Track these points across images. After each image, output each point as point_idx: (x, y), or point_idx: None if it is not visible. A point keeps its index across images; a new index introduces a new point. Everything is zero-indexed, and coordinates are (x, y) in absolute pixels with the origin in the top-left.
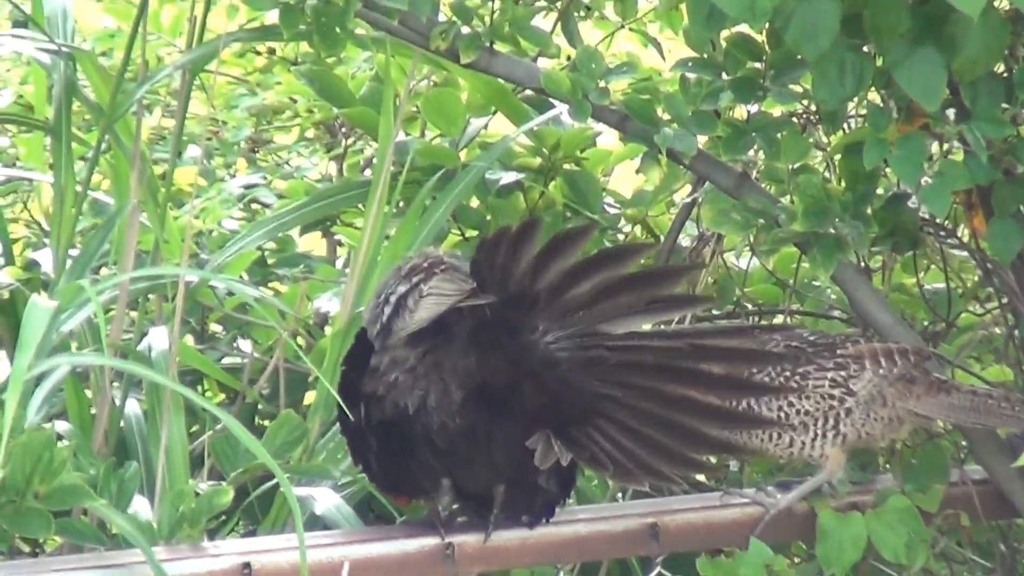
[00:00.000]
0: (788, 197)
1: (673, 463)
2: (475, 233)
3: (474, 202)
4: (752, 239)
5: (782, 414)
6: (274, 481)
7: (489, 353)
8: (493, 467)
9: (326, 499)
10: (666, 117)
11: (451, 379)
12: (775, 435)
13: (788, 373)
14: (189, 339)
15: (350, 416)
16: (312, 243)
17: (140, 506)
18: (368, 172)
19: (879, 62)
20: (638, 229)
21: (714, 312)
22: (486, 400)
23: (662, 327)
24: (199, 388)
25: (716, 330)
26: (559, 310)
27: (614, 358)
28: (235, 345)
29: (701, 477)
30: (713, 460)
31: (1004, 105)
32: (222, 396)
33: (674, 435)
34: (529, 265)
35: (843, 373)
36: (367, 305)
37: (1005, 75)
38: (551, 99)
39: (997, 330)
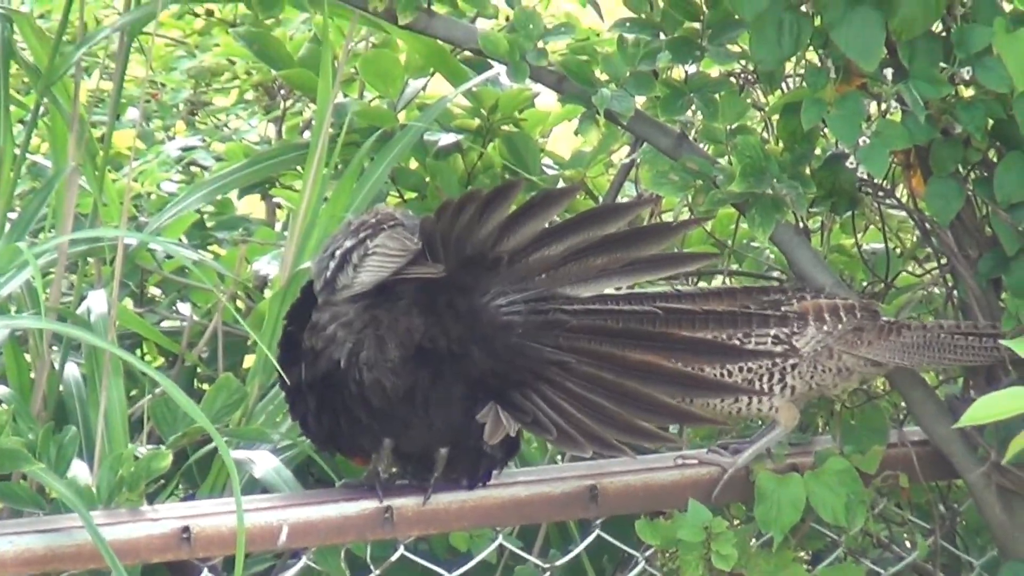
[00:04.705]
0: (726, 158)
1: (620, 431)
2: (413, 195)
3: (412, 164)
4: (690, 200)
5: (724, 372)
6: (213, 445)
7: (434, 315)
8: (433, 430)
9: (265, 463)
10: (604, 78)
11: (390, 337)
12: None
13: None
14: (128, 302)
15: (285, 379)
16: (251, 206)
17: (79, 470)
18: (307, 134)
19: (817, 21)
20: None
21: None
22: (427, 362)
23: (634, 290)
24: (138, 352)
25: (699, 293)
26: (520, 273)
27: (575, 321)
28: (174, 308)
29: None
30: (658, 429)
31: (942, 64)
32: (161, 360)
33: (626, 403)
34: (496, 227)
35: (786, 330)
36: (313, 259)
37: (943, 34)
38: (489, 60)
39: (936, 290)
